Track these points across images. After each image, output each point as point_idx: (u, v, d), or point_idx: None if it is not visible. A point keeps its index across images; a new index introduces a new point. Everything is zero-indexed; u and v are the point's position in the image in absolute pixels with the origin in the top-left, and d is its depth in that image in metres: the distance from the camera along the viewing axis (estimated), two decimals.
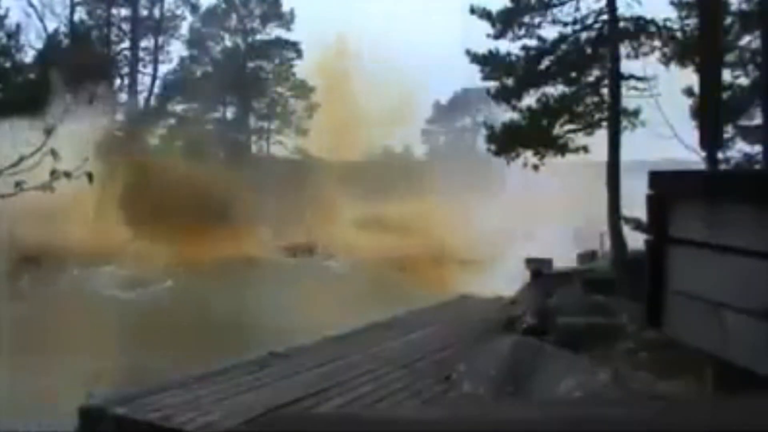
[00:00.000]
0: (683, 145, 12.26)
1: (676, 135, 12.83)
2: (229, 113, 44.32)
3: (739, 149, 14.73)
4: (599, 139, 15.10)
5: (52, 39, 35.66)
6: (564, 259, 16.76)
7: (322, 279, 26.51)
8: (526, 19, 15.44)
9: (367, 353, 9.90)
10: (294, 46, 44.19)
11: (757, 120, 13.02)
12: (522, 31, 15.48)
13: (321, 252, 33.87)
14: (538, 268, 14.39)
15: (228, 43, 44.42)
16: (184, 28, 42.40)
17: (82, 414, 7.62)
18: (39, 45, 35.66)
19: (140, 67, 40.04)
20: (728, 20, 13.84)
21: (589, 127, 15.29)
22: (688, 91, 14.72)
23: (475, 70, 15.89)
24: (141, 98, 40.35)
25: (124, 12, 39.57)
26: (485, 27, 15.67)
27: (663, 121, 13.34)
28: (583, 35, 15.27)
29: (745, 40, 14.21)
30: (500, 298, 14.59)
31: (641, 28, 14.82)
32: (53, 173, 3.66)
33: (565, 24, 15.27)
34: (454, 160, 40.93)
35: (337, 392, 8.11)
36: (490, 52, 15.52)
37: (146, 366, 12.51)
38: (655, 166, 4.01)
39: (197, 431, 6.94)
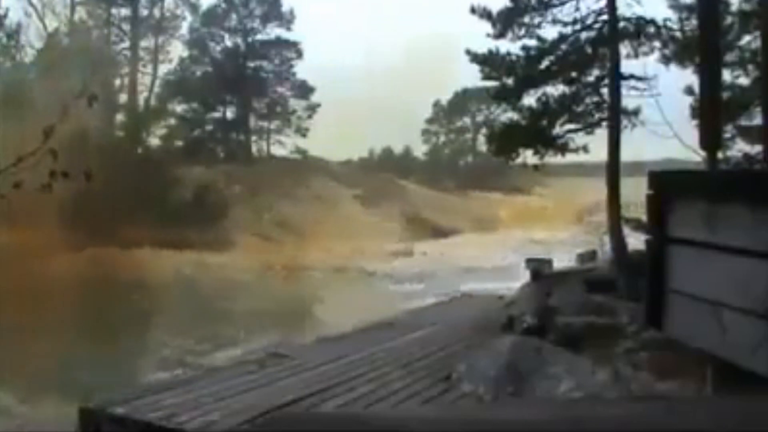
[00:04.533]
0: (683, 145, 12.27)
1: (676, 135, 12.83)
2: (229, 113, 44.32)
3: (739, 149, 14.71)
4: (599, 139, 15.09)
5: (52, 39, 35.58)
6: None
7: None
8: (526, 19, 15.41)
9: (367, 353, 9.89)
10: (294, 46, 44.18)
11: (757, 120, 12.99)
12: (522, 31, 15.46)
13: None
14: (538, 268, 14.36)
15: (228, 43, 44.40)
16: (184, 28, 42.36)
17: (82, 414, 7.61)
18: (39, 45, 35.65)
19: (140, 67, 40.01)
20: (728, 20, 13.85)
21: (589, 127, 15.26)
22: (688, 91, 14.73)
23: (475, 69, 15.89)
24: (141, 98, 40.33)
25: (124, 12, 39.50)
26: (485, 27, 15.67)
27: (663, 121, 13.34)
28: (583, 35, 15.22)
29: (745, 40, 14.21)
30: (500, 298, 14.59)
31: (641, 28, 14.80)
32: (52, 174, 3.66)
33: (565, 24, 15.23)
34: None
35: (337, 392, 8.09)
36: (490, 52, 15.50)
37: None
38: (655, 166, 4.00)
39: (197, 431, 6.94)
